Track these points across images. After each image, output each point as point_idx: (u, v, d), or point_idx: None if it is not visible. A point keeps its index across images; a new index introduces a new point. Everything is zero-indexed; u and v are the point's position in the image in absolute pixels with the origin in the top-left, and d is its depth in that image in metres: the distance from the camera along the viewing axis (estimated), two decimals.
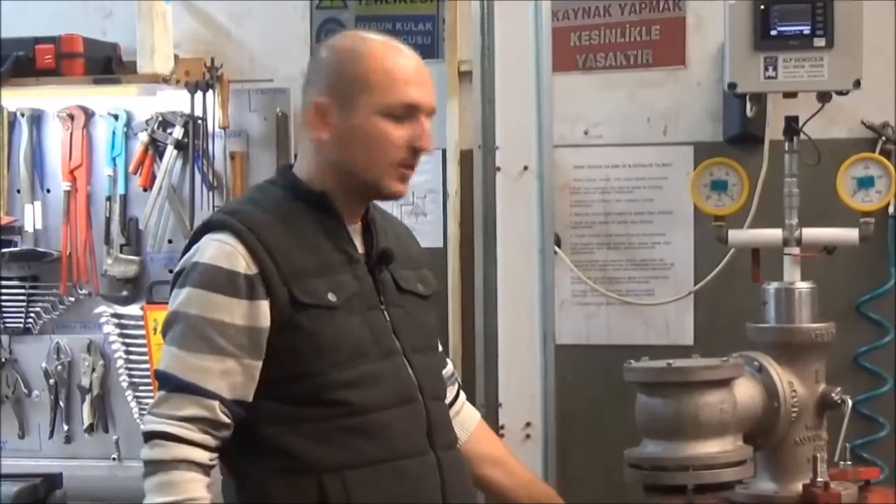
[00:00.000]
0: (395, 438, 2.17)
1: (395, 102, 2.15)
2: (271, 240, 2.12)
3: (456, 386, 2.54)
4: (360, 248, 2.24)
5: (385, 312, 2.22)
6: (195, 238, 2.18)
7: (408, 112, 2.17)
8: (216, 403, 2.08)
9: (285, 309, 2.10)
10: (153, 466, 2.07)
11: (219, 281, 2.09)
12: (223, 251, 2.10)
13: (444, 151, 3.71)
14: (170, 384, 2.10)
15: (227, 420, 2.09)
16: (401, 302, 2.27)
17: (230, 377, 2.09)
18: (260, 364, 2.11)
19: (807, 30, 2.97)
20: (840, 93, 3.02)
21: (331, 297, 2.13)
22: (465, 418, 2.53)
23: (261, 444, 2.13)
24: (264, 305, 2.10)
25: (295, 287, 2.10)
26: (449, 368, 2.51)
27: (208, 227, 2.17)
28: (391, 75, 2.16)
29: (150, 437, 2.08)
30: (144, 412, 3.68)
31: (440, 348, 2.44)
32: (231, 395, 2.09)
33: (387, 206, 2.39)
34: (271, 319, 2.10)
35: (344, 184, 2.20)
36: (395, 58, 2.18)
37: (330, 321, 2.13)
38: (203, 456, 2.08)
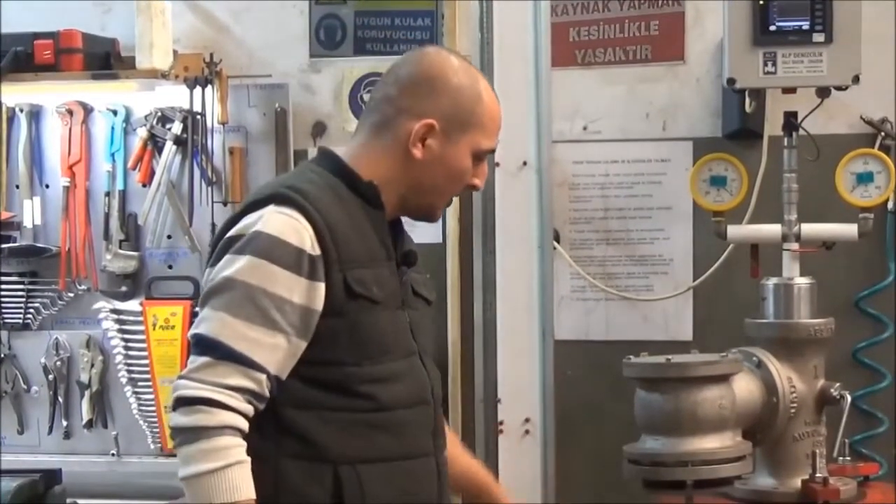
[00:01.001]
0: (408, 438, 2.19)
1: (489, 147, 2.27)
2: (335, 223, 2.10)
3: None
4: None
5: (406, 313, 2.24)
6: (253, 207, 2.12)
7: (486, 156, 2.28)
8: (263, 377, 2.03)
9: (339, 295, 2.09)
10: (194, 433, 1.99)
11: (284, 255, 2.05)
12: (291, 226, 2.07)
13: None
14: (217, 351, 2.02)
15: (268, 394, 2.05)
16: (415, 304, 2.29)
17: (277, 353, 2.05)
18: (305, 345, 2.09)
19: (806, 25, 2.97)
20: (839, 88, 3.02)
21: (376, 290, 2.14)
22: None
23: (278, 424, 2.11)
24: (321, 288, 2.08)
25: (350, 275, 2.10)
26: None
27: (271, 198, 2.11)
28: (494, 122, 2.27)
29: (190, 402, 2.00)
30: (144, 408, 3.75)
31: None
32: (275, 370, 2.06)
33: None
34: (324, 303, 2.09)
35: (404, 196, 2.23)
36: (497, 106, 2.28)
37: (371, 314, 2.13)
38: (245, 424, 2.03)
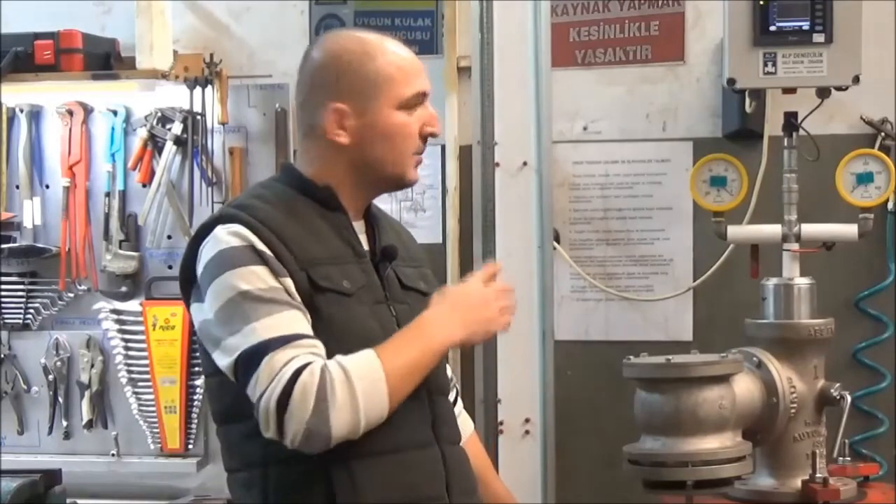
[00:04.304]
0: (400, 430, 2.15)
1: (410, 93, 2.22)
2: (283, 230, 2.13)
3: (454, 392, 2.55)
4: (365, 245, 2.26)
5: (391, 308, 2.24)
6: (205, 231, 2.16)
7: (419, 101, 2.24)
8: (306, 340, 2.04)
9: (306, 290, 2.11)
10: (320, 398, 1.97)
11: (238, 256, 2.08)
12: (238, 235, 2.10)
13: (443, 147, 3.71)
14: (259, 354, 2.01)
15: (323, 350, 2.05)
16: (405, 298, 2.28)
17: (298, 322, 2.06)
18: (307, 313, 2.09)
19: (806, 25, 2.98)
20: (839, 88, 3.02)
21: (345, 283, 2.15)
22: (460, 426, 2.52)
23: None
24: (289, 283, 2.09)
25: (313, 271, 2.12)
26: (447, 373, 2.52)
27: (219, 220, 2.16)
28: (402, 69, 2.22)
29: (283, 401, 1.97)
30: (144, 408, 3.75)
31: None
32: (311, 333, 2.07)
33: (383, 200, 2.39)
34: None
35: (362, 181, 2.23)
36: (399, 52, 2.25)
37: (344, 307, 2.14)
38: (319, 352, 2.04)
